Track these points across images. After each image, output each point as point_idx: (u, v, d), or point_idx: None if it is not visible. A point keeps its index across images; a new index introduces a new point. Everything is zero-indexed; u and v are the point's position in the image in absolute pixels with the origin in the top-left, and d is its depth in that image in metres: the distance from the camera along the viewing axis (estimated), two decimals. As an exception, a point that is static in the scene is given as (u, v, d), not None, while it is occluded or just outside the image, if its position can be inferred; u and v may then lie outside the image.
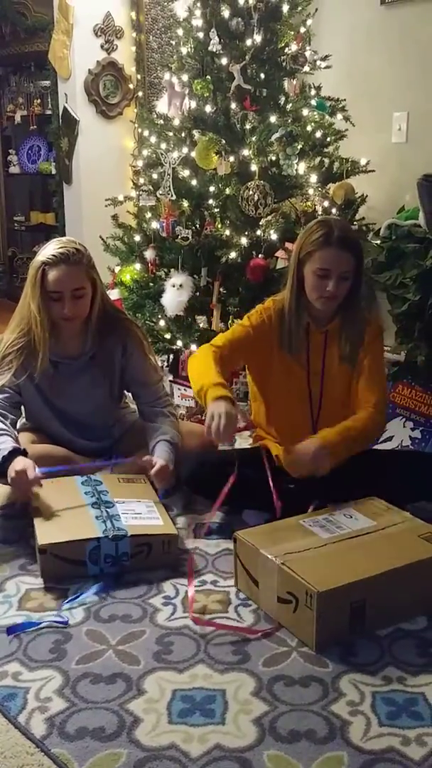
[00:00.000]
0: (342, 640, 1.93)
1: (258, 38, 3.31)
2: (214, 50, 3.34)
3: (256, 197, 3.24)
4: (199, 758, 1.56)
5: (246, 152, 3.28)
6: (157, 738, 1.62)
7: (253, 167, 3.26)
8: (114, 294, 3.62)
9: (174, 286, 3.34)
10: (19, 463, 2.35)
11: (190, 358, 2.52)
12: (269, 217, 3.34)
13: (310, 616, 1.90)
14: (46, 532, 2.24)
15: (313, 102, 3.42)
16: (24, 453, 2.42)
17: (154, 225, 3.50)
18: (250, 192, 3.24)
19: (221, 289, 3.40)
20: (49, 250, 2.51)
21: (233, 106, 3.34)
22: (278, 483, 2.46)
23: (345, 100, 3.53)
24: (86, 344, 2.64)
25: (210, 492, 2.53)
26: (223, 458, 2.55)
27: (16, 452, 2.39)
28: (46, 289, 2.50)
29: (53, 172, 5.25)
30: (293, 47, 3.41)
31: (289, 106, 3.40)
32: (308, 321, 2.49)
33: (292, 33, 3.42)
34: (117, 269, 3.75)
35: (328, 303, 2.42)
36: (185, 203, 3.43)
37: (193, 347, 3.41)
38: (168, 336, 3.51)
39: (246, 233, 3.30)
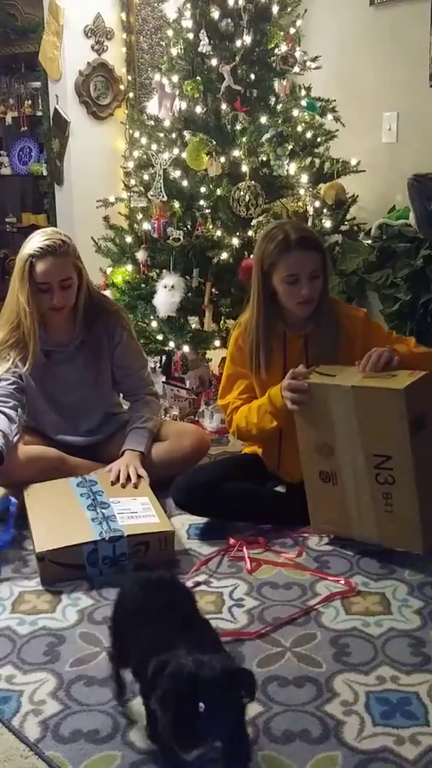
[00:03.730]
0: (338, 640, 1.93)
1: (248, 39, 3.31)
2: (204, 51, 3.33)
3: (247, 198, 3.24)
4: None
5: (237, 153, 3.28)
6: (152, 740, 1.62)
7: (244, 168, 3.26)
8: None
9: (166, 287, 3.34)
10: None
11: (237, 430, 2.51)
12: (260, 218, 3.34)
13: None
14: (43, 539, 2.24)
15: (304, 102, 3.42)
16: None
17: (146, 226, 3.50)
18: (241, 193, 3.24)
19: (213, 290, 3.40)
20: (34, 242, 2.58)
21: (223, 107, 3.34)
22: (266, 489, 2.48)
23: (335, 100, 3.52)
24: (75, 331, 2.72)
25: (201, 512, 2.55)
26: (208, 478, 2.53)
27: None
28: (34, 281, 2.57)
29: (44, 173, 5.24)
30: (283, 48, 3.40)
31: (279, 107, 3.40)
32: (284, 330, 2.45)
33: (282, 34, 3.41)
34: (109, 271, 3.74)
35: (307, 307, 2.38)
36: (176, 204, 3.43)
37: (186, 348, 3.41)
38: (160, 337, 3.51)
39: (237, 234, 3.30)
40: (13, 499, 2.46)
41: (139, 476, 2.56)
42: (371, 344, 2.40)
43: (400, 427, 2.12)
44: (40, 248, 2.55)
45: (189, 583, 2.20)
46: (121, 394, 2.94)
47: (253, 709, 1.70)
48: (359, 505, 2.27)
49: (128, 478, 2.54)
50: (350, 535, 2.34)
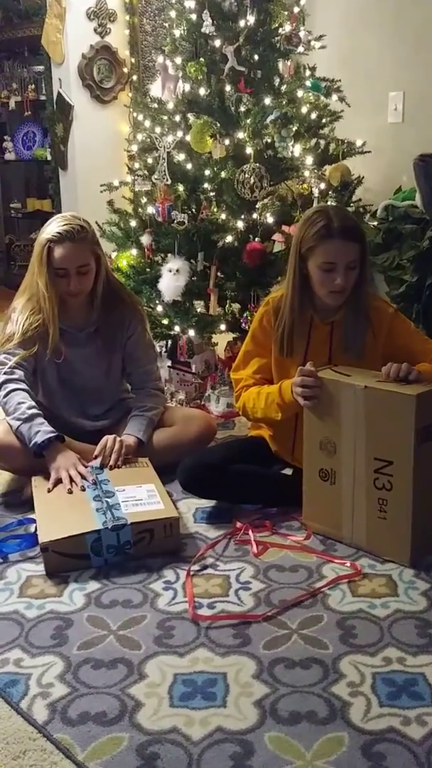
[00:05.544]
0: (344, 622, 1.94)
1: (251, 19, 3.28)
2: (208, 32, 3.30)
3: (251, 180, 3.22)
4: (200, 741, 1.58)
5: (241, 135, 3.26)
6: (159, 722, 1.63)
7: (249, 150, 3.23)
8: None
9: (171, 271, 3.33)
10: (70, 457, 2.49)
11: (243, 408, 2.50)
12: (265, 200, 3.32)
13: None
14: (46, 530, 2.24)
15: (308, 83, 3.39)
16: (63, 439, 2.54)
17: (150, 210, 3.48)
18: (246, 175, 3.22)
19: (218, 274, 3.38)
20: (53, 227, 2.58)
21: (227, 88, 3.31)
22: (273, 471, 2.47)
23: (340, 80, 3.49)
24: (91, 317, 2.73)
25: (207, 493, 2.54)
26: (215, 459, 2.52)
27: (56, 438, 2.51)
28: (52, 266, 2.57)
29: (48, 158, 5.23)
30: (287, 27, 3.36)
31: (283, 88, 3.37)
32: (312, 315, 2.42)
33: (286, 13, 3.38)
34: (113, 255, 3.73)
35: (338, 296, 2.34)
36: (180, 187, 3.41)
37: (191, 332, 3.40)
38: (166, 321, 3.50)
39: (242, 217, 3.28)
40: (35, 531, 2.40)
41: (126, 460, 2.58)
42: (395, 342, 2.40)
43: (407, 434, 2.10)
44: (59, 233, 2.54)
45: (195, 567, 2.21)
46: (128, 382, 2.94)
47: (259, 691, 1.71)
48: (353, 508, 2.25)
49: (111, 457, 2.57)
50: (339, 537, 2.31)
